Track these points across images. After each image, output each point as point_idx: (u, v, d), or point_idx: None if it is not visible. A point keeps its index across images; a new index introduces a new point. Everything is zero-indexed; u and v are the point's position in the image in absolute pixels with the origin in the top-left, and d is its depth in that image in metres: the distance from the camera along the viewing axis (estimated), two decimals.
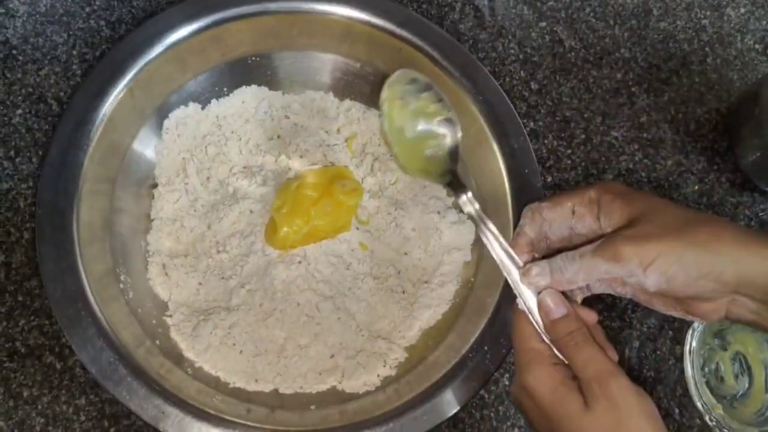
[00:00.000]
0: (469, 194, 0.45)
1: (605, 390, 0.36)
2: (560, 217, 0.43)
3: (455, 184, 0.46)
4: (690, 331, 0.51)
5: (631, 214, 0.40)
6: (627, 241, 0.38)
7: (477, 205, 0.45)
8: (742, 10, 0.66)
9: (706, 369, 0.53)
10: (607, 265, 0.38)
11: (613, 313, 0.55)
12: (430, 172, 0.47)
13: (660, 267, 0.37)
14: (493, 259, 0.43)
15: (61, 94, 0.52)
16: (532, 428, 0.41)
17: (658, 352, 0.55)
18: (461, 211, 0.48)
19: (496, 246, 0.43)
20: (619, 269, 0.38)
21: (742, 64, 0.64)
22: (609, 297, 0.55)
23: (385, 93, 0.47)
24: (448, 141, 0.47)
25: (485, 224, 0.43)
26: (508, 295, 0.47)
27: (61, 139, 0.45)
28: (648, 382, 0.54)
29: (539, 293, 0.40)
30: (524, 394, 0.39)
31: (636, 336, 0.55)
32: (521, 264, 0.42)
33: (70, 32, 0.54)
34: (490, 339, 0.46)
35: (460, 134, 0.47)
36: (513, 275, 0.42)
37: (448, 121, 0.47)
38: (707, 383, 0.51)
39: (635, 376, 0.54)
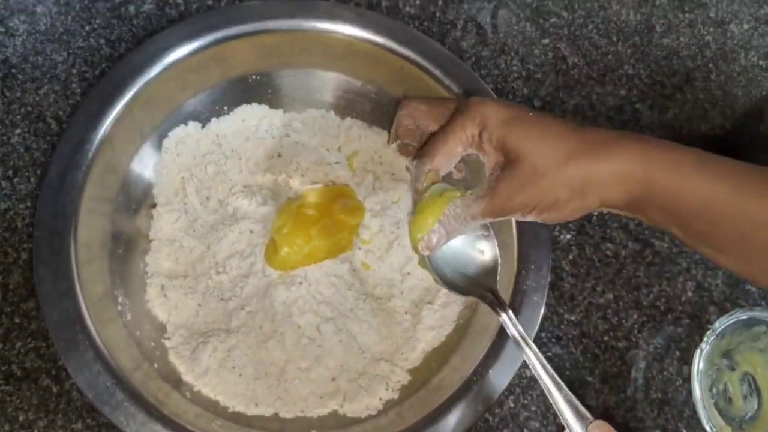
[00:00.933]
0: (510, 313, 0.44)
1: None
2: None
3: (494, 302, 0.44)
4: (698, 352, 0.50)
5: (508, 155, 0.39)
6: (505, 200, 0.39)
7: (519, 327, 0.43)
8: (746, 26, 0.65)
9: (714, 390, 0.52)
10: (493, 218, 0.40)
11: (618, 333, 0.54)
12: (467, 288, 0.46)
13: (537, 212, 0.39)
14: (498, 280, 0.42)
15: (61, 113, 0.52)
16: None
17: (665, 373, 0.54)
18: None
19: (541, 372, 0.43)
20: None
21: (747, 81, 0.64)
22: (615, 317, 0.54)
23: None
24: (488, 258, 0.45)
25: (529, 346, 0.43)
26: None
27: (60, 160, 0.45)
28: (656, 403, 0.53)
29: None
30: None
31: (642, 356, 0.54)
32: (587, 416, 0.43)
33: (70, 51, 0.54)
34: (495, 361, 0.46)
35: (497, 250, 0.45)
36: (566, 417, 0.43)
37: (486, 237, 0.45)
38: (715, 404, 0.51)
39: (641, 397, 0.53)
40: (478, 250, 0.45)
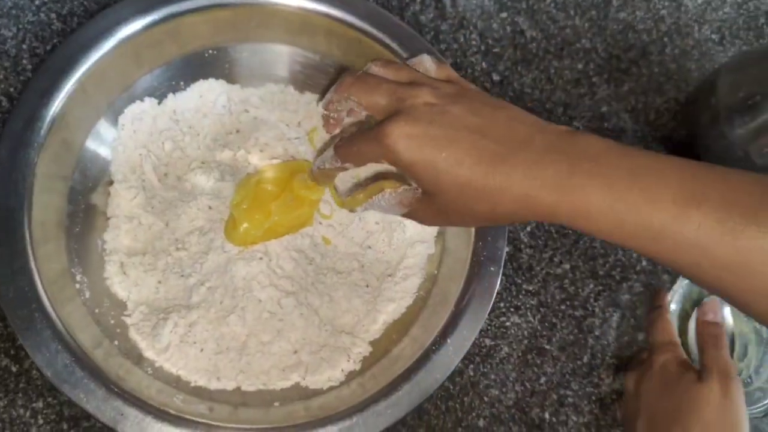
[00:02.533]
0: None
1: (723, 379, 0.49)
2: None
3: None
4: (670, 293, 0.54)
5: (418, 183, 0.39)
6: (421, 220, 0.41)
7: None
8: (699, 1, 0.66)
9: (681, 339, 0.54)
10: None
11: (575, 302, 0.56)
12: None
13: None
14: (456, 252, 0.42)
15: (11, 89, 0.51)
16: (643, 410, 0.50)
17: (621, 340, 0.56)
18: None
19: None
20: None
21: (700, 54, 0.65)
22: (572, 286, 0.56)
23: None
24: None
25: None
26: (471, 288, 0.47)
27: (10, 137, 0.44)
28: (611, 368, 0.55)
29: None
30: (651, 373, 0.51)
31: (599, 324, 0.56)
32: None
33: (20, 26, 0.52)
34: (454, 331, 0.46)
35: None
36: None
37: None
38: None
39: (598, 363, 0.55)
40: None
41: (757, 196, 0.32)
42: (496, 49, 0.61)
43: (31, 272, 0.42)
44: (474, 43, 0.61)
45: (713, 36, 0.66)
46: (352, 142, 0.40)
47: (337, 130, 0.45)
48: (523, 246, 0.56)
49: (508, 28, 0.62)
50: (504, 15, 0.62)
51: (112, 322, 0.46)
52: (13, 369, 0.46)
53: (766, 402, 0.55)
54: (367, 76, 0.41)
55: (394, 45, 0.51)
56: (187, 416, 0.42)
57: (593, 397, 0.54)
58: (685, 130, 0.62)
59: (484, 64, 0.60)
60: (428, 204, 0.39)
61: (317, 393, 0.47)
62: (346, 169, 0.42)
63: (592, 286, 0.56)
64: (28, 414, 0.45)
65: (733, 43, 0.66)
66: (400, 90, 0.39)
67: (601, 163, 0.34)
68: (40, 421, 0.45)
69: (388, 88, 0.39)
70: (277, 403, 0.46)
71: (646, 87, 0.63)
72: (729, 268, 0.33)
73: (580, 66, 0.62)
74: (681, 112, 0.63)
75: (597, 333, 0.55)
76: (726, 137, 0.55)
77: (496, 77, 0.60)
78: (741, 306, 0.35)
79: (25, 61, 0.51)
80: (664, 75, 0.64)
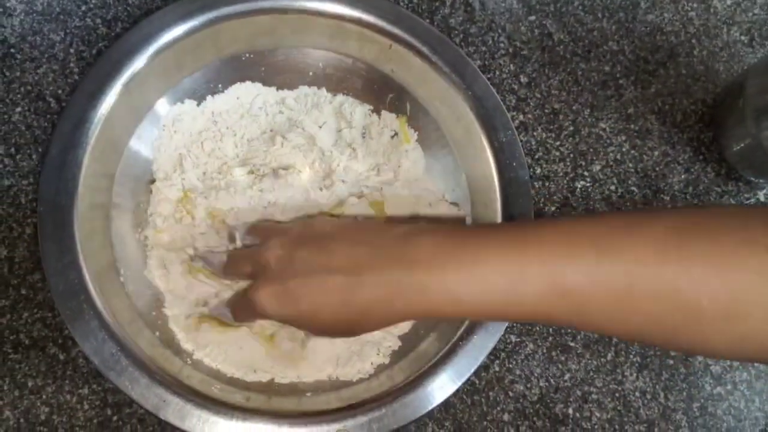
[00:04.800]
0: None
1: None
2: None
3: None
4: None
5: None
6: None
7: None
8: (729, 2, 0.67)
9: None
10: None
11: None
12: None
13: None
14: None
15: (60, 92, 0.53)
16: None
17: None
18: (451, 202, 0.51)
19: None
20: None
21: (728, 56, 0.65)
22: None
23: None
24: None
25: None
26: None
27: (60, 138, 0.47)
28: (635, 366, 0.56)
29: None
30: None
31: None
32: None
33: (67, 30, 0.55)
34: (480, 328, 0.48)
35: None
36: None
37: None
38: None
39: (622, 361, 0.55)
40: None
41: (567, 252, 0.35)
42: (524, 52, 0.62)
43: (80, 266, 0.44)
44: (502, 45, 0.62)
45: (742, 37, 0.66)
46: (236, 311, 0.47)
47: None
48: None
49: (536, 31, 0.63)
50: (532, 18, 0.63)
51: (154, 314, 0.49)
52: (61, 357, 0.48)
53: None
54: (233, 254, 0.48)
55: (424, 49, 0.53)
56: (225, 404, 0.44)
57: (617, 394, 0.55)
58: (711, 132, 0.62)
59: (512, 66, 0.61)
60: (316, 332, 0.44)
61: (347, 384, 0.49)
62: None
63: None
64: (74, 400, 0.48)
65: (763, 45, 0.66)
66: (255, 254, 0.44)
67: (432, 264, 0.37)
68: (86, 407, 0.48)
69: (246, 258, 0.46)
70: (309, 393, 0.48)
71: (674, 89, 0.63)
72: (573, 317, 0.35)
73: (607, 68, 0.63)
74: (708, 114, 0.63)
75: None
76: (753, 139, 0.56)
77: (523, 79, 0.61)
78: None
79: (72, 65, 0.54)
80: (691, 77, 0.64)
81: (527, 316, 0.37)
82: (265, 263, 0.42)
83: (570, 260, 0.34)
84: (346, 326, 0.41)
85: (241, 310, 0.47)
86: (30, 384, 0.47)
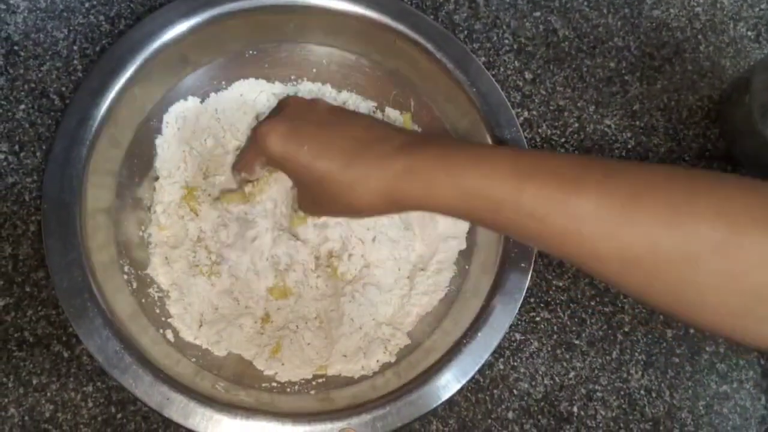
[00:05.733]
0: None
1: None
2: None
3: None
4: None
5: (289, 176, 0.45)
6: (307, 211, 0.48)
7: None
8: None
9: None
10: None
11: (605, 298, 0.56)
12: None
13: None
14: (487, 247, 0.44)
15: (63, 89, 0.53)
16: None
17: (650, 336, 0.56)
18: None
19: None
20: None
21: (735, 52, 0.65)
22: (602, 283, 0.56)
23: None
24: None
25: None
26: (502, 283, 0.48)
27: (64, 135, 0.46)
28: (640, 364, 0.55)
29: None
30: None
31: (628, 320, 0.56)
32: None
33: (70, 28, 0.55)
34: (484, 325, 0.48)
35: None
36: None
37: None
38: None
39: (627, 359, 0.55)
40: None
41: (578, 169, 0.35)
42: (528, 48, 0.62)
43: (84, 264, 0.44)
44: (507, 41, 0.61)
45: (749, 33, 0.66)
46: (240, 158, 0.48)
47: None
48: None
49: (541, 27, 0.62)
50: (537, 14, 0.63)
51: (158, 311, 0.49)
52: (65, 354, 0.48)
53: None
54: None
55: (428, 45, 0.52)
56: (229, 402, 0.44)
57: (622, 392, 0.55)
58: (718, 128, 0.62)
59: (516, 62, 0.61)
60: (302, 194, 0.45)
61: (351, 382, 0.49)
62: (249, 180, 0.50)
63: None
64: (78, 397, 0.48)
65: None
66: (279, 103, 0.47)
67: (445, 155, 0.38)
68: (90, 404, 0.48)
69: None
70: (313, 392, 0.48)
71: (679, 85, 0.63)
72: (566, 236, 0.35)
73: (612, 64, 0.62)
74: (714, 110, 0.63)
75: (626, 329, 0.56)
76: (760, 135, 0.55)
77: (528, 76, 0.61)
78: (586, 271, 0.37)
79: (75, 62, 0.54)
80: (697, 73, 0.64)
81: (520, 219, 0.37)
82: (283, 106, 0.44)
83: (579, 173, 0.35)
84: (335, 190, 0.41)
85: (244, 153, 0.48)
86: (34, 381, 0.48)
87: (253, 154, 0.46)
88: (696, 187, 0.34)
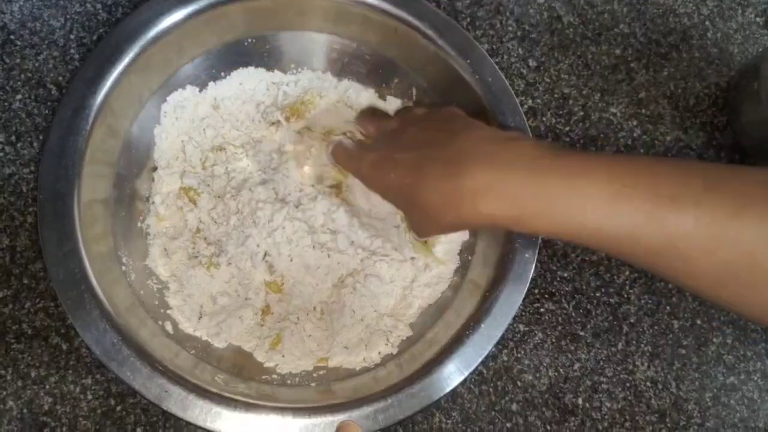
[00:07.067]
0: None
1: None
2: None
3: None
4: None
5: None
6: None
7: None
8: None
9: None
10: None
11: (611, 289, 0.56)
12: None
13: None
14: (491, 238, 0.43)
15: (60, 78, 0.53)
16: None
17: (656, 327, 0.55)
18: None
19: None
20: None
21: (743, 38, 0.64)
22: (607, 273, 0.56)
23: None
24: None
25: None
26: (505, 274, 0.48)
27: (60, 125, 0.46)
28: (646, 356, 0.55)
29: None
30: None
31: (634, 311, 0.55)
32: None
33: (67, 16, 0.54)
34: (488, 316, 0.47)
35: None
36: None
37: None
38: None
39: (633, 350, 0.55)
40: None
41: (677, 180, 0.35)
42: (532, 35, 0.61)
43: (80, 255, 0.44)
44: (510, 29, 0.60)
45: (757, 19, 0.64)
46: (343, 154, 0.49)
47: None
48: None
49: (545, 14, 0.61)
50: (541, 0, 0.62)
51: (156, 303, 0.48)
52: (64, 347, 0.48)
53: None
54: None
55: (430, 32, 0.51)
56: (228, 395, 0.44)
57: (627, 384, 0.54)
58: (725, 116, 0.61)
59: (520, 50, 0.60)
60: (409, 217, 0.45)
61: (352, 374, 0.48)
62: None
63: (627, 273, 0.56)
64: (77, 390, 0.47)
65: None
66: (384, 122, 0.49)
67: (534, 169, 0.37)
68: (89, 397, 0.47)
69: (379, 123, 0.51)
70: (313, 384, 0.47)
71: (686, 72, 0.62)
72: (660, 254, 0.35)
73: (618, 51, 0.61)
74: (722, 97, 0.62)
75: (632, 320, 0.55)
76: None
77: (532, 63, 0.60)
78: (681, 286, 0.38)
79: (72, 51, 0.53)
80: (705, 60, 0.63)
81: (613, 239, 0.36)
82: (382, 132, 0.47)
83: (678, 188, 0.34)
84: (433, 213, 0.41)
85: (346, 157, 0.49)
86: (33, 374, 0.47)
87: (350, 170, 0.49)
88: None
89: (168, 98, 0.52)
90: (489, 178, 0.38)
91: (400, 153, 0.43)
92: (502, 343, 0.52)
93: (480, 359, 0.46)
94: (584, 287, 0.55)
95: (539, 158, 0.38)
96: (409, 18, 0.51)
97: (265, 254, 0.49)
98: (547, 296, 0.55)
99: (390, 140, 0.46)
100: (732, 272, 0.34)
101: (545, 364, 0.53)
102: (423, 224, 0.44)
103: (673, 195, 0.34)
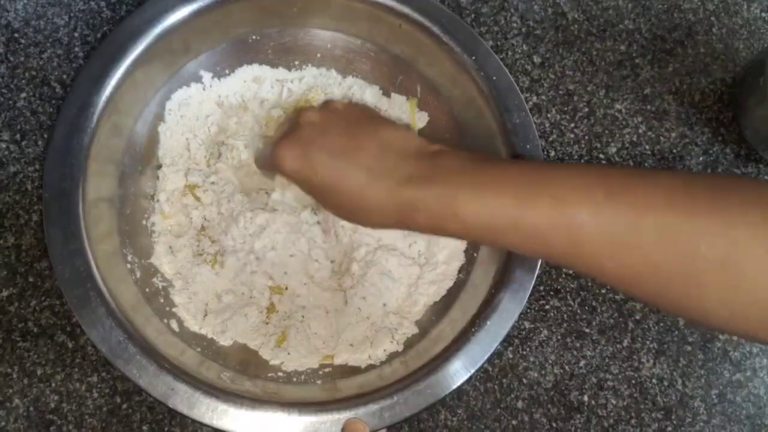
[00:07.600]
0: None
1: None
2: None
3: None
4: None
5: None
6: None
7: None
8: None
9: None
10: None
11: None
12: None
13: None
14: None
15: (64, 76, 0.53)
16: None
17: (661, 324, 0.55)
18: None
19: None
20: None
21: (749, 33, 0.63)
22: None
23: None
24: None
25: None
26: (511, 271, 0.48)
27: (64, 123, 0.46)
28: (651, 352, 0.55)
29: None
30: None
31: (639, 308, 0.55)
32: None
33: (71, 14, 0.54)
34: (493, 314, 0.47)
35: None
36: None
37: None
38: None
39: (638, 347, 0.54)
40: None
41: (579, 187, 0.36)
42: (537, 31, 0.60)
43: (86, 253, 0.44)
44: (515, 25, 0.60)
45: (763, 14, 0.64)
46: (258, 158, 0.49)
47: None
48: None
49: (550, 10, 0.61)
50: None
51: (162, 300, 0.48)
52: (69, 345, 0.48)
53: None
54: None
55: (435, 29, 0.51)
56: (234, 392, 0.44)
57: (633, 381, 0.54)
58: (731, 111, 0.61)
59: (524, 46, 0.60)
60: (322, 204, 0.45)
61: (358, 371, 0.48)
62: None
63: None
64: (83, 388, 0.48)
65: None
66: (296, 115, 0.46)
67: (446, 194, 0.39)
68: (95, 395, 0.48)
69: (287, 123, 0.48)
70: (319, 381, 0.47)
71: (692, 68, 0.62)
72: (571, 256, 0.36)
73: (623, 47, 0.61)
74: (727, 93, 0.61)
75: (638, 317, 0.55)
76: None
77: (537, 59, 0.60)
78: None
79: (77, 49, 0.53)
80: (710, 55, 0.62)
81: (526, 242, 0.38)
82: (299, 123, 0.44)
83: (579, 197, 0.35)
84: (349, 213, 0.42)
85: (262, 158, 0.49)
86: (39, 372, 0.47)
87: (271, 166, 0.46)
88: (696, 206, 0.34)
89: (172, 96, 0.52)
90: (412, 196, 0.39)
91: (323, 156, 0.42)
92: (507, 341, 0.52)
93: (486, 357, 0.46)
94: (589, 284, 0.55)
95: (455, 174, 0.39)
96: (414, 14, 0.51)
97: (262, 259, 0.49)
98: (552, 293, 0.54)
99: (309, 133, 0.45)
100: (637, 277, 0.35)
101: (551, 362, 0.53)
102: (342, 214, 0.44)
103: (575, 202, 0.35)
